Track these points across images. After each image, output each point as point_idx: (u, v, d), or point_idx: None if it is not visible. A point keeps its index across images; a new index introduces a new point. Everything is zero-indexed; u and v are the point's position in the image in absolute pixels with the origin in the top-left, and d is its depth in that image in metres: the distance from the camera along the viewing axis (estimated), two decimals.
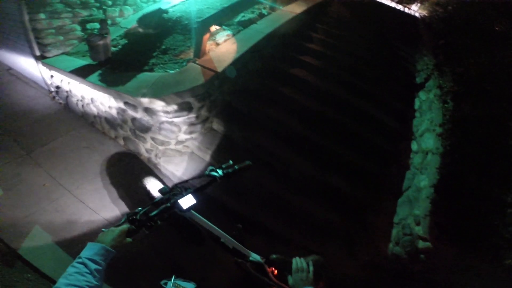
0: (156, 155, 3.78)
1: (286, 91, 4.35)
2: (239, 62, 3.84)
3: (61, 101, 4.93)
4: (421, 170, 3.14)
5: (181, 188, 1.66)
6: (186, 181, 1.79)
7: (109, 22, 5.13)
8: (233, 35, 4.49)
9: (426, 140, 3.35)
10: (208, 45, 4.14)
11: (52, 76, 4.63)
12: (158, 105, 3.19)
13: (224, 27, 4.71)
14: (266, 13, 5.44)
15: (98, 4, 5.16)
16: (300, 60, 5.03)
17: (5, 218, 2.92)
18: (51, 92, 5.04)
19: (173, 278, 1.86)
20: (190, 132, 3.63)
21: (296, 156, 3.60)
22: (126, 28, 5.29)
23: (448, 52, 4.56)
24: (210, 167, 1.77)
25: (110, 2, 5.37)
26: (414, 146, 3.77)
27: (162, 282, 1.89)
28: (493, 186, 2.50)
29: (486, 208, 2.41)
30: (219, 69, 3.47)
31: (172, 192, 1.64)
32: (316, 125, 3.94)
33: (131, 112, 3.53)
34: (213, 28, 4.48)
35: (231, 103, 4.14)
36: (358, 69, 5.12)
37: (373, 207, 3.37)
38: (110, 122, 4.03)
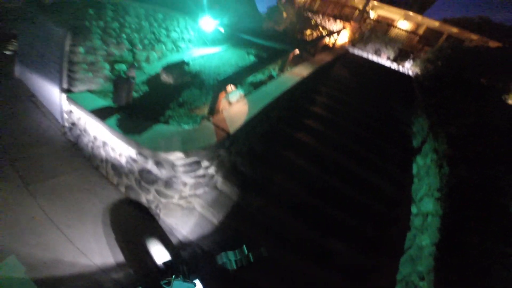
0: (156, 207, 3.81)
1: (290, 155, 4.56)
2: (249, 125, 4.09)
3: (71, 138, 5.07)
4: (422, 230, 3.29)
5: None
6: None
7: (136, 65, 5.60)
8: (245, 95, 4.84)
9: (425, 204, 3.55)
10: (222, 104, 4.44)
11: (71, 112, 4.87)
12: (169, 160, 3.34)
13: (238, 87, 5.12)
14: (275, 75, 5.92)
15: (130, 46, 5.69)
16: (304, 123, 5.37)
17: None
18: (64, 127, 5.23)
19: (173, 278, 1.92)
20: (195, 189, 3.71)
21: (296, 219, 3.65)
22: (150, 74, 5.74)
23: (440, 111, 4.90)
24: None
25: (140, 46, 5.91)
26: (414, 209, 3.96)
27: (163, 282, 1.93)
28: (495, 242, 2.61)
29: (489, 262, 2.50)
30: (231, 131, 3.70)
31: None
32: (317, 190, 4.08)
33: (141, 163, 3.66)
34: (229, 87, 4.86)
35: (237, 165, 4.30)
36: (358, 133, 5.47)
37: (375, 267, 3.42)
38: (116, 168, 4.11)
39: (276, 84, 5.42)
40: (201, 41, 7.58)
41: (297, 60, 6.94)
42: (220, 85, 4.06)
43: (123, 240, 3.41)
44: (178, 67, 5.80)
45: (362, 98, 6.81)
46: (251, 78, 5.60)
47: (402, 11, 16.50)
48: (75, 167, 4.40)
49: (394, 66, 12.09)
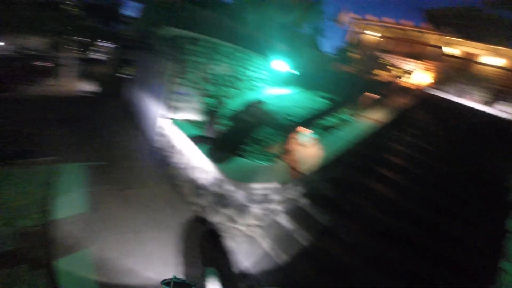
0: (220, 228, 4.20)
1: (362, 203, 4.31)
2: (321, 167, 4.23)
3: (161, 157, 6.10)
4: None
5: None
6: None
7: (223, 100, 6.61)
8: (318, 138, 5.02)
9: None
10: (295, 145, 4.76)
11: (164, 134, 5.99)
12: (244, 189, 3.79)
13: (311, 130, 5.42)
14: (348, 119, 5.92)
15: (216, 82, 6.83)
16: (378, 172, 4.97)
17: (67, 232, 3.59)
18: (157, 147, 6.36)
19: (173, 278, 1.97)
20: (259, 219, 4.00)
21: (374, 272, 3.38)
22: (232, 110, 6.58)
23: None
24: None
25: (224, 83, 7.03)
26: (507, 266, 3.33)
27: (163, 282, 1.99)
28: None
29: None
30: (303, 171, 3.94)
31: None
32: (392, 241, 3.70)
33: (218, 188, 4.23)
34: (301, 129, 5.21)
35: (303, 205, 4.30)
36: (443, 186, 4.68)
37: None
38: (195, 189, 4.78)
39: (348, 129, 5.37)
40: (274, 81, 8.47)
41: (371, 104, 6.82)
42: (291, 127, 4.43)
43: (187, 252, 3.81)
44: (255, 106, 6.47)
45: (447, 146, 6.01)
46: (323, 121, 5.77)
47: (488, 46, 14.16)
48: (160, 182, 5.29)
49: (484, 108, 10.26)
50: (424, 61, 13.35)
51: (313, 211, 4.20)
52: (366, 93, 6.22)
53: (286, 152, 4.38)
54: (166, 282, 1.94)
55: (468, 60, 13.69)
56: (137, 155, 6.23)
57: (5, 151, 5.24)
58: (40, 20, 11.82)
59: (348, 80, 8.46)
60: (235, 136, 5.30)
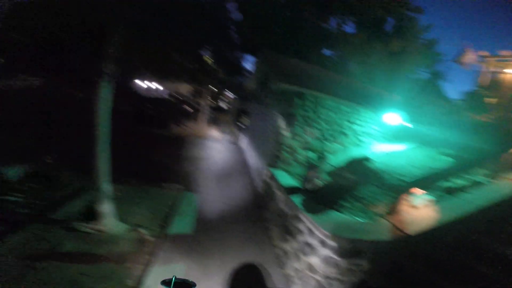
0: (294, 275, 4.08)
1: (487, 271, 3.26)
2: (436, 231, 3.58)
3: (261, 201, 6.73)
4: None
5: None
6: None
7: (325, 155, 6.71)
8: (436, 201, 4.33)
9: None
10: (405, 205, 4.28)
11: (267, 181, 6.53)
12: (332, 241, 3.61)
13: (426, 191, 4.70)
14: (483, 181, 4.80)
15: (321, 136, 7.02)
16: None
17: (171, 246, 4.33)
18: (259, 191, 7.02)
19: (173, 278, 1.96)
20: (342, 274, 3.63)
21: None
22: (333, 166, 6.56)
23: None
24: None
25: (328, 137, 7.14)
26: None
27: (163, 282, 1.98)
28: None
29: None
30: (409, 232, 3.46)
31: None
32: None
33: (307, 237, 4.19)
34: (414, 190, 4.62)
35: (401, 267, 3.65)
36: None
37: None
38: (283, 234, 4.92)
39: (482, 192, 4.43)
40: (384, 136, 7.83)
41: None
42: (404, 187, 4.08)
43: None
44: (360, 163, 6.28)
45: None
46: (447, 183, 4.94)
47: None
48: (254, 221, 5.95)
49: None
50: None
51: (413, 272, 3.57)
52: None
53: (392, 212, 4.01)
54: (166, 282, 1.98)
55: None
56: (243, 194, 7.28)
57: (149, 175, 7.22)
58: (189, 70, 15.91)
59: (482, 133, 6.80)
60: (334, 191, 5.26)
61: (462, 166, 4.73)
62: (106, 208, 4.46)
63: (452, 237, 3.93)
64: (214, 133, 17.27)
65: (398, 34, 14.37)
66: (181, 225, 5.26)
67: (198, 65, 15.47)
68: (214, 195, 6.98)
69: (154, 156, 9.23)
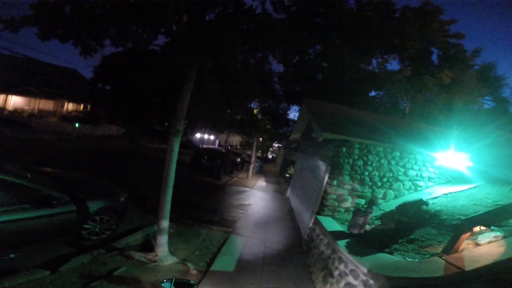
0: None
1: None
2: (500, 267, 3.00)
3: (305, 247, 6.60)
4: None
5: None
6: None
7: (374, 201, 6.39)
8: (504, 237, 3.70)
9: None
10: (465, 244, 3.75)
11: (313, 228, 6.42)
12: (375, 281, 3.34)
13: (493, 227, 4.05)
14: None
15: (370, 183, 6.77)
16: None
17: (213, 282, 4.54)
18: (304, 238, 6.92)
19: (173, 279, 2.00)
20: None
21: None
22: (384, 211, 6.20)
23: None
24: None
25: (379, 184, 6.81)
26: None
27: (163, 282, 1.99)
28: None
29: None
30: (466, 268, 2.99)
31: None
32: None
33: (350, 279, 3.93)
34: (477, 228, 4.04)
35: None
36: None
37: None
38: (326, 278, 4.68)
39: None
40: (444, 178, 7.07)
41: None
42: (463, 225, 3.67)
43: None
44: (415, 206, 5.75)
45: None
46: None
47: None
48: (297, 266, 5.83)
49: None
50: None
51: None
52: None
53: (449, 251, 3.59)
54: (166, 282, 2.00)
55: None
56: (285, 241, 7.33)
57: (201, 218, 7.92)
58: (238, 121, 17.40)
59: None
60: (384, 235, 4.94)
61: None
62: (161, 242, 4.99)
63: None
64: (261, 182, 17.71)
65: (446, 64, 13.65)
66: (224, 263, 5.45)
67: (246, 117, 17.11)
68: (258, 239, 7.10)
69: (207, 202, 10.13)
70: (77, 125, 23.79)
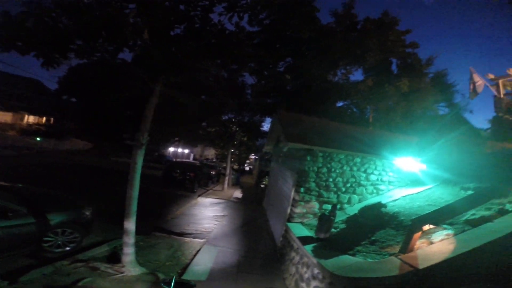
0: None
1: None
2: (451, 264, 3.30)
3: (279, 255, 6.72)
4: None
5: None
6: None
7: (338, 206, 6.68)
8: (454, 234, 4.05)
9: None
10: (419, 243, 4.05)
11: (285, 236, 6.58)
12: (339, 281, 3.51)
13: (445, 225, 4.43)
14: (511, 209, 4.38)
15: (335, 189, 7.09)
16: None
17: None
18: (277, 246, 7.09)
19: (174, 279, 1.99)
20: None
21: None
22: (349, 214, 6.53)
23: None
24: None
25: (343, 189, 7.16)
26: None
27: (163, 282, 1.98)
28: None
29: None
30: (420, 267, 3.25)
31: None
32: None
33: (318, 282, 4.10)
34: (427, 226, 4.40)
35: None
36: None
37: None
38: (297, 283, 4.85)
39: (509, 220, 4.08)
40: (403, 181, 7.60)
41: None
42: (415, 225, 3.96)
43: None
44: (375, 209, 6.14)
45: None
46: (467, 216, 4.64)
47: None
48: (270, 273, 5.93)
49: None
50: None
51: None
52: None
53: (405, 250, 3.86)
54: (166, 282, 2.02)
55: None
56: (262, 250, 7.38)
57: (174, 230, 7.81)
58: (212, 134, 17.23)
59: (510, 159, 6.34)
60: (347, 238, 5.22)
61: (485, 197, 4.47)
62: (127, 252, 4.88)
63: (471, 268, 3.55)
64: (237, 194, 17.63)
65: (404, 73, 14.55)
66: (197, 273, 5.40)
67: (221, 129, 17.09)
68: (233, 249, 7.07)
69: (179, 215, 9.89)
70: (38, 139, 22.15)
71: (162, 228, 7.77)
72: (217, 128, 17.01)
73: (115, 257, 5.23)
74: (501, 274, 3.37)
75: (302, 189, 6.83)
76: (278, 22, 14.16)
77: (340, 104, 16.43)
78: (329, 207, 6.83)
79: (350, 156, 7.24)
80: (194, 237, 7.46)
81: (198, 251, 6.48)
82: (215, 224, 9.21)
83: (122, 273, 4.68)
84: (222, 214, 10.94)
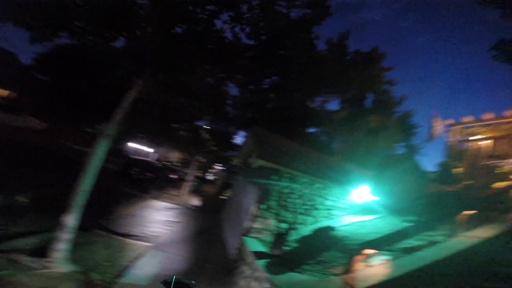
0: None
1: None
2: (387, 285, 3.61)
3: (231, 267, 6.43)
4: None
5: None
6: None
7: (293, 226, 6.86)
8: (391, 259, 4.45)
9: None
10: (360, 266, 4.33)
11: (240, 249, 6.49)
12: None
13: (383, 252, 4.82)
14: (440, 240, 4.98)
15: (294, 210, 7.30)
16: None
17: None
18: (232, 258, 6.89)
19: (174, 278, 2.03)
20: None
21: None
22: (302, 235, 6.76)
23: None
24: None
25: (301, 210, 7.41)
26: None
27: (163, 281, 2.04)
28: None
29: None
30: (358, 287, 3.50)
31: None
32: None
33: None
34: (369, 251, 4.73)
35: None
36: None
37: None
38: None
39: (436, 250, 4.67)
40: (355, 209, 8.15)
41: (477, 221, 5.66)
42: (358, 249, 4.28)
43: None
44: (326, 232, 6.51)
45: None
46: (404, 244, 5.13)
47: None
48: (220, 284, 5.82)
49: None
50: None
51: None
52: (466, 211, 5.29)
53: (347, 271, 4.10)
54: (166, 282, 2.05)
55: None
56: (212, 259, 7.15)
57: (119, 230, 7.33)
58: (183, 139, 16.59)
59: (447, 200, 7.29)
60: (298, 256, 5.42)
61: (420, 229, 5.00)
62: (59, 247, 4.44)
63: None
64: (196, 202, 17.06)
65: (376, 109, 14.97)
66: (137, 277, 5.07)
67: (193, 135, 16.68)
68: (183, 256, 6.80)
69: (128, 215, 9.28)
70: None
71: (105, 227, 7.21)
72: (189, 133, 16.57)
73: (43, 251, 4.70)
74: None
75: (263, 206, 6.95)
76: (275, 40, 14.37)
77: (312, 130, 16.75)
78: (285, 226, 7.03)
79: (312, 181, 7.66)
80: (140, 240, 7.04)
81: (143, 256, 6.11)
82: (166, 230, 8.80)
83: (48, 268, 4.25)
84: (176, 220, 10.49)
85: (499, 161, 11.75)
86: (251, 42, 14.25)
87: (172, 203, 14.01)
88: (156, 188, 15.56)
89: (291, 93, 14.03)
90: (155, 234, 7.94)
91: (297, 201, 7.40)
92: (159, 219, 9.94)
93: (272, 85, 15.64)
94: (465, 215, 5.19)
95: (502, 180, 9.96)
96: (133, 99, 4.88)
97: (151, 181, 14.42)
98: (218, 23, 4.74)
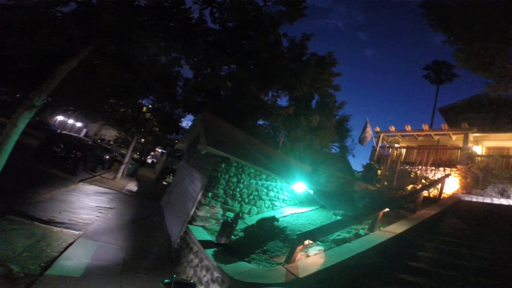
0: None
1: None
2: (322, 274, 4.19)
3: (174, 256, 6.60)
4: None
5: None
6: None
7: (239, 215, 7.15)
8: (324, 250, 5.10)
9: None
10: (300, 255, 4.87)
11: (184, 238, 6.51)
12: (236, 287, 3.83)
13: (318, 242, 5.51)
14: (363, 234, 5.91)
15: (240, 199, 7.58)
16: (399, 278, 4.58)
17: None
18: (173, 247, 6.90)
19: (174, 278, 2.07)
20: None
21: None
22: (247, 224, 7.07)
23: None
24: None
25: (247, 200, 7.75)
26: None
27: (163, 282, 2.04)
28: None
29: None
30: (300, 276, 3.98)
31: None
32: None
33: (216, 286, 4.32)
34: (307, 242, 5.34)
35: None
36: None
37: None
38: (197, 285, 4.80)
39: (361, 242, 5.44)
40: (294, 201, 8.99)
41: (392, 218, 6.85)
42: (298, 239, 4.75)
43: None
44: (269, 222, 6.96)
45: (492, 248, 5.42)
46: (334, 236, 5.88)
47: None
48: (162, 274, 5.56)
49: None
50: (456, 167, 12.78)
51: None
52: (385, 209, 6.40)
53: (289, 261, 4.55)
54: (166, 282, 2.08)
55: (503, 156, 12.51)
56: (152, 248, 6.90)
57: (39, 216, 6.45)
58: (121, 115, 15.03)
59: (370, 198, 8.69)
60: (244, 246, 5.67)
61: (347, 222, 5.82)
62: None
63: (337, 278, 4.58)
64: (132, 186, 15.86)
65: (319, 109, 16.33)
66: (68, 268, 4.62)
67: (132, 112, 15.20)
68: (118, 245, 6.36)
69: (49, 199, 8.07)
70: None
71: (22, 212, 6.22)
72: (129, 110, 14.99)
73: None
74: (358, 282, 4.51)
75: (210, 194, 6.97)
76: (241, 30, 14.06)
77: (260, 122, 17.43)
78: (231, 214, 7.26)
79: (258, 171, 7.99)
80: (66, 228, 6.30)
81: (71, 244, 5.54)
82: (98, 216, 8.01)
83: None
84: (109, 206, 9.62)
85: (410, 167, 14.55)
86: (215, 26, 13.75)
87: (103, 187, 12.74)
88: (84, 169, 13.83)
89: (246, 84, 14.19)
90: (85, 222, 7.16)
91: (244, 190, 7.70)
92: (89, 205, 8.96)
93: (228, 73, 15.59)
94: (382, 212, 6.28)
95: (413, 183, 12.57)
96: (71, 69, 4.30)
97: (78, 160, 12.64)
98: (188, 1, 4.48)
